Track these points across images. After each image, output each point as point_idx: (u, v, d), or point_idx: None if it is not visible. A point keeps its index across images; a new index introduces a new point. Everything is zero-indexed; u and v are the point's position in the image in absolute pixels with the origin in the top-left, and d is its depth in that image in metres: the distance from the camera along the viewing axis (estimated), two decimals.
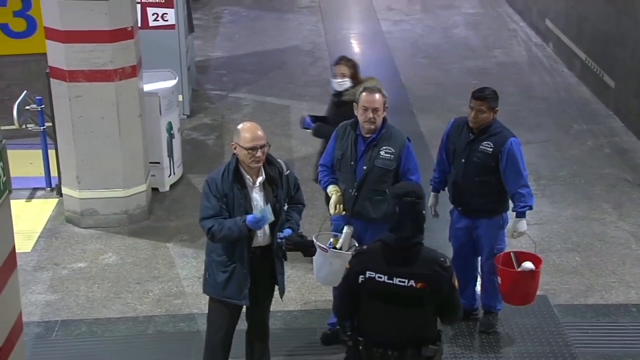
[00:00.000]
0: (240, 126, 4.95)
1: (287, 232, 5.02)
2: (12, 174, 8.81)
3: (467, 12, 15.35)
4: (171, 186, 8.38)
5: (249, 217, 4.82)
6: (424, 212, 4.30)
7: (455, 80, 11.69)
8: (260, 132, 4.87)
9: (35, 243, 7.34)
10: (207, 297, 5.20)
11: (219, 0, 16.08)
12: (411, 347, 4.25)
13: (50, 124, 8.05)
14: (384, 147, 5.42)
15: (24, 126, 8.23)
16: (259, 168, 4.93)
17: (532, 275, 5.66)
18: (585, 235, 7.52)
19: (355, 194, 5.48)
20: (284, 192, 5.05)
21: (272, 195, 4.96)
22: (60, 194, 7.94)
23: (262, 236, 5.00)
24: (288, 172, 5.11)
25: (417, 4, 16.20)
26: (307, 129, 6.70)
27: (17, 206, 7.98)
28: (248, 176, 4.94)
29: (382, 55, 12.97)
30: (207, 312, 5.27)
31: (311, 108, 10.60)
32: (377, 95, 5.39)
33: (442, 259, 4.25)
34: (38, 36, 9.27)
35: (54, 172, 8.22)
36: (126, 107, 7.38)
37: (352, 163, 5.48)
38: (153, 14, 9.75)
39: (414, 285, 4.15)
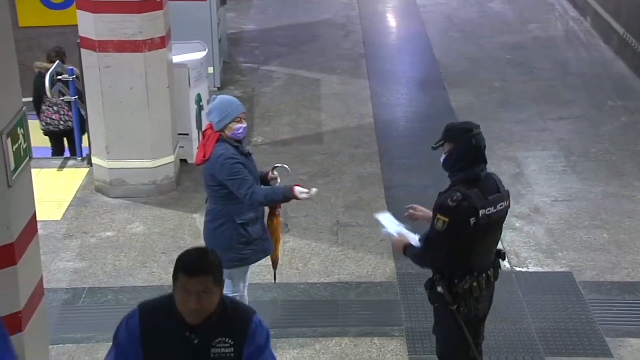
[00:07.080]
0: None
1: None
2: (47, 144, 9.00)
3: None
4: None
5: None
6: None
7: (489, 55, 11.53)
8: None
9: (65, 211, 7.45)
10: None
11: None
12: (496, 258, 4.68)
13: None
14: None
15: (56, 96, 8.36)
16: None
17: None
18: (615, 212, 7.42)
19: None
20: None
21: None
22: (90, 164, 8.03)
23: None
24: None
25: None
26: None
27: (49, 175, 8.10)
28: None
29: (415, 29, 12.85)
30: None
31: (342, 81, 10.60)
32: None
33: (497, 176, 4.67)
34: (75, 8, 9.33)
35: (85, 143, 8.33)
36: (155, 78, 7.41)
37: None
38: None
39: (506, 204, 4.55)
